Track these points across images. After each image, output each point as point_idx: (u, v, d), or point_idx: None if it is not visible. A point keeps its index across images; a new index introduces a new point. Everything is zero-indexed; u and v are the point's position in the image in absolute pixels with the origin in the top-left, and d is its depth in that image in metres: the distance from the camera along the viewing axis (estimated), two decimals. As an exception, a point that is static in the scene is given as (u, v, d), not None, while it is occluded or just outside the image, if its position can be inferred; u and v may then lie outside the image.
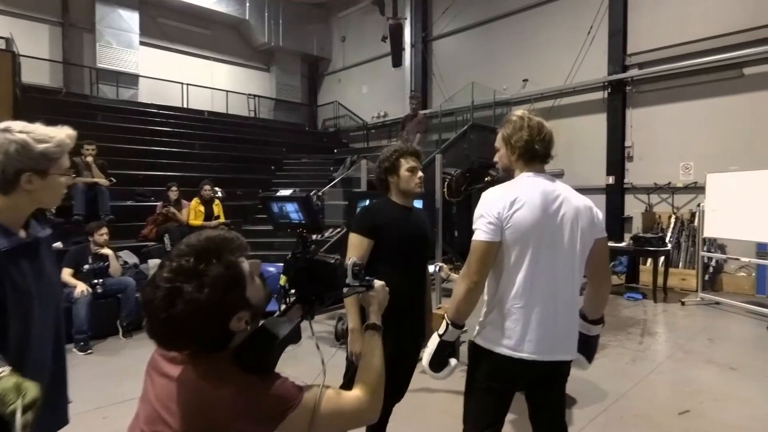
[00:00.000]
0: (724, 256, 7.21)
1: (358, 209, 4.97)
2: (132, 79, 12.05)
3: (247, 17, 13.75)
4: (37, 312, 1.27)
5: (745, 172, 6.10)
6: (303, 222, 1.07)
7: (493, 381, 1.67)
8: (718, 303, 6.44)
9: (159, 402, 0.98)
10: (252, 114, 14.04)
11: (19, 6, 10.68)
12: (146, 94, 12.21)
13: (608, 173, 8.91)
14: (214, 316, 0.93)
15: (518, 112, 1.80)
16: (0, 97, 7.29)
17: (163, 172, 8.08)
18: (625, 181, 8.80)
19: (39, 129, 1.27)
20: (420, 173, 2.19)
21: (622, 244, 7.32)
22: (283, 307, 1.17)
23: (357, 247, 2.04)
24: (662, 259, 7.20)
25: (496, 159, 1.83)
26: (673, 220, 8.10)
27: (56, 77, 11.24)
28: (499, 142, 1.80)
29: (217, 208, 6.88)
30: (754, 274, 7.10)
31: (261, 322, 1.05)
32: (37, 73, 10.29)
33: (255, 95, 14.32)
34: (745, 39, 7.34)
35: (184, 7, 12.74)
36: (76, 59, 11.57)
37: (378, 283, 1.27)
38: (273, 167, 10.28)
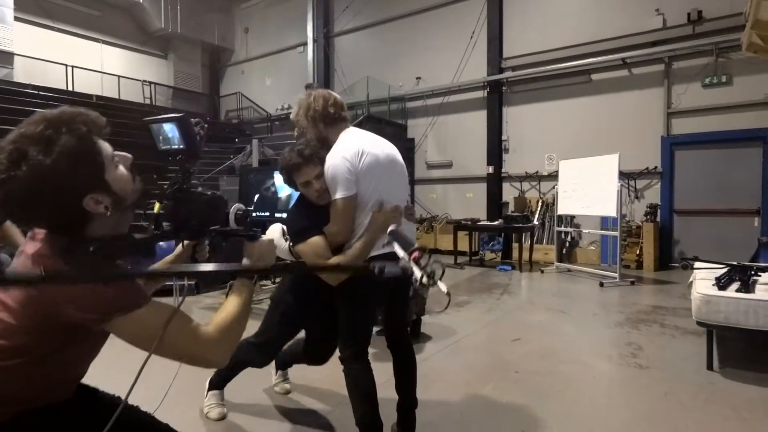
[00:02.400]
0: (571, 230, 8.50)
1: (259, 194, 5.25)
2: (6, 57, 11.01)
3: (140, 0, 13.16)
4: None
5: (588, 158, 7.28)
6: (182, 147, 1.14)
7: (370, 289, 1.93)
8: (569, 270, 7.61)
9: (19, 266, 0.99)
10: (147, 101, 13.45)
11: None
12: (23, 73, 11.23)
13: (488, 164, 9.97)
14: (63, 188, 0.90)
15: (301, 94, 2.12)
16: None
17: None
18: (503, 170, 9.92)
19: None
20: (316, 184, 1.95)
21: (496, 223, 8.32)
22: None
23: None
24: (529, 236, 8.33)
25: (310, 136, 2.07)
26: (540, 203, 9.32)
27: None
28: (302, 122, 2.06)
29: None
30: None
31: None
32: None
33: (150, 82, 13.74)
34: (591, 50, 8.69)
35: (67, -17, 11.91)
36: (-66, 31, 10.36)
37: (266, 238, 1.24)
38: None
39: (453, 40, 10.40)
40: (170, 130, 1.17)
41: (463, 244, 8.94)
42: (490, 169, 9.93)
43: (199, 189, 1.16)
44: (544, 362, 3.41)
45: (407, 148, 11.02)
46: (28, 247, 1.00)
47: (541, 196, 9.41)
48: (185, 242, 1.28)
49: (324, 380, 2.94)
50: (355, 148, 1.96)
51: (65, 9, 12.35)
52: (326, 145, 2.04)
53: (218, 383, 2.59)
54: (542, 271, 7.57)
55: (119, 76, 12.97)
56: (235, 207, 1.20)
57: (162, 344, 0.94)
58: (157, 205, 1.15)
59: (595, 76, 8.78)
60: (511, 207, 9.61)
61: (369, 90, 10.69)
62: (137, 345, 0.95)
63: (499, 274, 7.48)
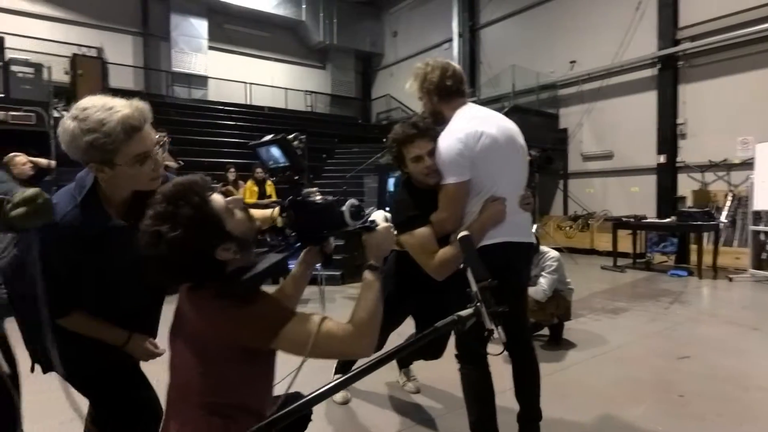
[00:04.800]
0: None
1: (391, 183, 5.38)
2: (202, 81, 13.26)
3: (303, 18, 14.61)
4: (120, 288, 1.33)
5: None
6: (288, 165, 1.24)
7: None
8: (770, 280, 6.14)
9: (179, 321, 1.17)
10: (309, 109, 14.89)
11: (107, 20, 12.18)
12: (214, 93, 13.40)
13: (659, 152, 8.63)
14: (196, 250, 1.05)
15: (418, 63, 1.97)
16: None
17: (226, 159, 8.94)
18: (678, 159, 8.49)
19: (93, 115, 1.15)
20: (428, 160, 1.82)
21: (667, 220, 7.14)
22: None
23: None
24: (713, 237, 6.96)
25: (423, 109, 1.97)
26: (729, 197, 7.72)
27: (138, 81, 12.68)
28: (418, 94, 1.94)
29: (270, 188, 7.57)
30: (818, 252, 6.64)
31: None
32: (122, 78, 11.70)
33: (311, 91, 15.18)
34: (807, 2, 6.89)
35: (246, 12, 13.81)
36: (154, 64, 12.96)
37: (383, 225, 1.26)
38: (324, 155, 10.95)
39: (614, 14, 9.25)
40: (275, 150, 1.26)
41: (625, 245, 7.87)
42: (662, 159, 8.58)
43: (311, 198, 1.23)
44: (721, 387, 2.77)
45: (559, 139, 10.19)
46: (185, 295, 1.17)
47: (731, 188, 7.79)
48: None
49: (447, 380, 2.82)
50: (471, 128, 1.79)
51: (244, 35, 14.37)
52: (439, 120, 1.89)
53: (342, 368, 2.66)
54: (730, 279, 6.25)
55: (286, 89, 14.60)
56: (349, 203, 1.21)
57: (315, 348, 1.07)
58: (279, 219, 1.26)
59: (811, 35, 6.93)
60: (689, 202, 8.16)
61: (515, 80, 10.13)
62: (296, 353, 1.08)
63: (671, 280, 6.40)
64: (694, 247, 7.47)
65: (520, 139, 1.94)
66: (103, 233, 1.25)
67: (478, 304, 1.09)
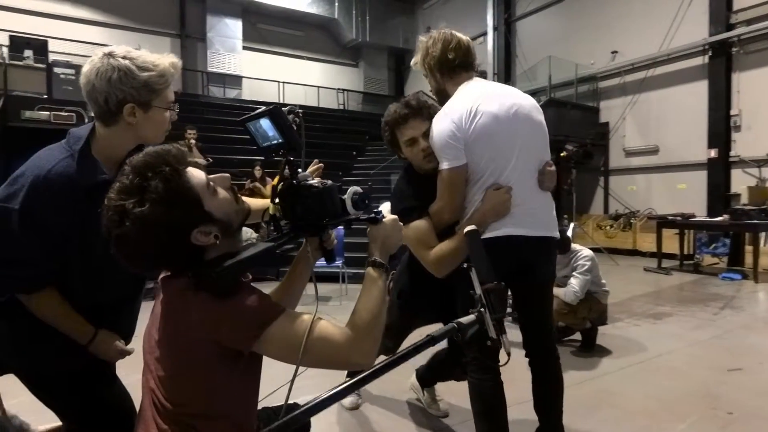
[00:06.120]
0: None
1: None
2: (236, 80, 13.46)
3: (336, 16, 14.58)
4: (100, 250, 1.10)
5: None
6: (281, 141, 1.06)
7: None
8: (838, 285, 5.55)
9: (155, 314, 1.04)
10: (341, 107, 14.85)
11: (145, 23, 12.52)
12: (248, 92, 13.57)
13: (710, 146, 8.04)
14: (167, 231, 0.90)
15: (421, 37, 1.77)
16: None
17: (257, 157, 8.97)
18: (731, 153, 7.87)
19: (143, 56, 1.18)
20: (423, 143, 1.69)
21: (719, 219, 6.60)
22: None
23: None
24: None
25: (430, 89, 1.81)
26: (790, 195, 7.07)
27: (175, 81, 12.70)
28: (422, 71, 1.77)
29: (296, 186, 7.53)
30: None
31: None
32: (160, 79, 12.01)
33: (344, 89, 15.14)
34: None
35: (280, 12, 13.91)
36: (190, 65, 13.22)
37: (390, 217, 1.14)
38: (354, 153, 10.89)
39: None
40: (266, 125, 1.11)
41: (671, 245, 7.34)
42: (713, 153, 7.99)
43: (309, 181, 1.09)
44: (779, 406, 2.43)
45: (600, 133, 9.69)
46: (163, 283, 1.04)
47: (793, 184, 7.15)
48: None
49: (457, 388, 2.62)
50: (465, 107, 1.57)
51: (278, 34, 14.48)
52: (445, 100, 1.69)
53: (354, 372, 2.50)
54: (791, 283, 5.70)
55: (318, 87, 14.62)
56: (351, 190, 1.09)
57: (306, 354, 0.92)
58: (271, 206, 1.12)
59: None
60: (744, 199, 7.52)
61: (552, 71, 9.69)
62: (283, 359, 0.94)
63: (722, 284, 5.90)
64: (749, 248, 6.89)
65: (533, 114, 1.67)
66: (96, 188, 1.11)
67: (482, 309, 0.96)
